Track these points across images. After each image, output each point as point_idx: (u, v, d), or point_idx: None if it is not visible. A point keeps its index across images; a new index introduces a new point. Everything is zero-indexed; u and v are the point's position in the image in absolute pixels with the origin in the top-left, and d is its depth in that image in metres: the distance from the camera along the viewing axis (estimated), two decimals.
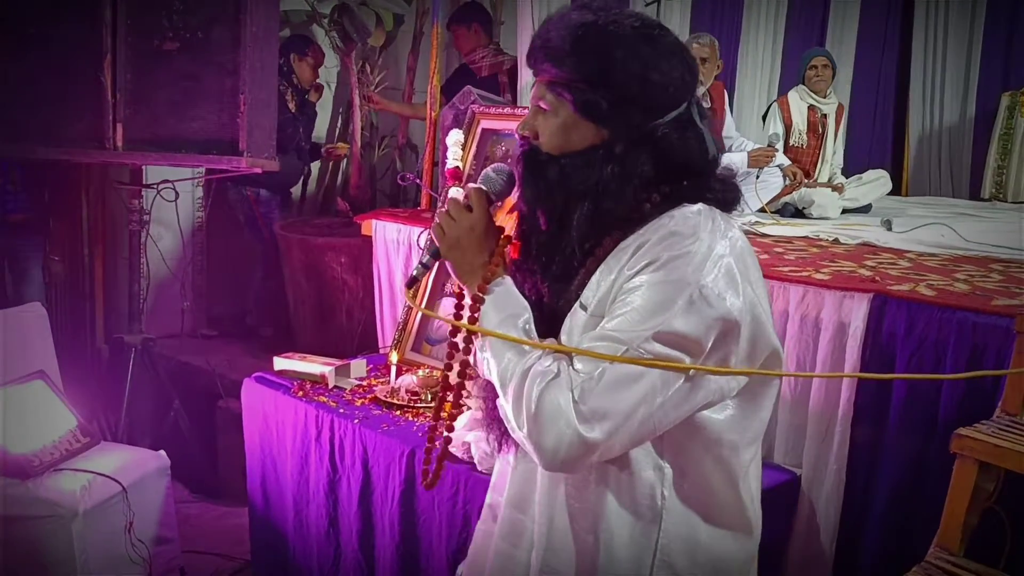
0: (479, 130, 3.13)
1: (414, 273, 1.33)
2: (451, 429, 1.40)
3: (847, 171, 4.82)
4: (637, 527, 1.23)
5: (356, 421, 2.38)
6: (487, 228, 1.29)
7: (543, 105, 1.24)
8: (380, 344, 3.51)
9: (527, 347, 1.18)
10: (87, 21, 3.01)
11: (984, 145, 5.64)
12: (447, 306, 2.61)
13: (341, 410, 2.45)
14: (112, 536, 2.64)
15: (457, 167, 2.93)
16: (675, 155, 1.22)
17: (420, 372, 2.65)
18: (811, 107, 4.57)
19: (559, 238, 1.25)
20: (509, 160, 1.34)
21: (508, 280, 1.27)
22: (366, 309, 3.84)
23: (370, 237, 3.62)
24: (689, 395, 1.14)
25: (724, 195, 1.25)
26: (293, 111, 4.40)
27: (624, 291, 1.15)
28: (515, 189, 1.30)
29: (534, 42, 1.25)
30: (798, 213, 4.15)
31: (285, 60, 4.45)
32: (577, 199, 1.22)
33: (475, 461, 2.08)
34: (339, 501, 2.44)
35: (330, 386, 2.62)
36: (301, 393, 2.57)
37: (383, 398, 2.52)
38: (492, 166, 1.34)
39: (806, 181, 4.33)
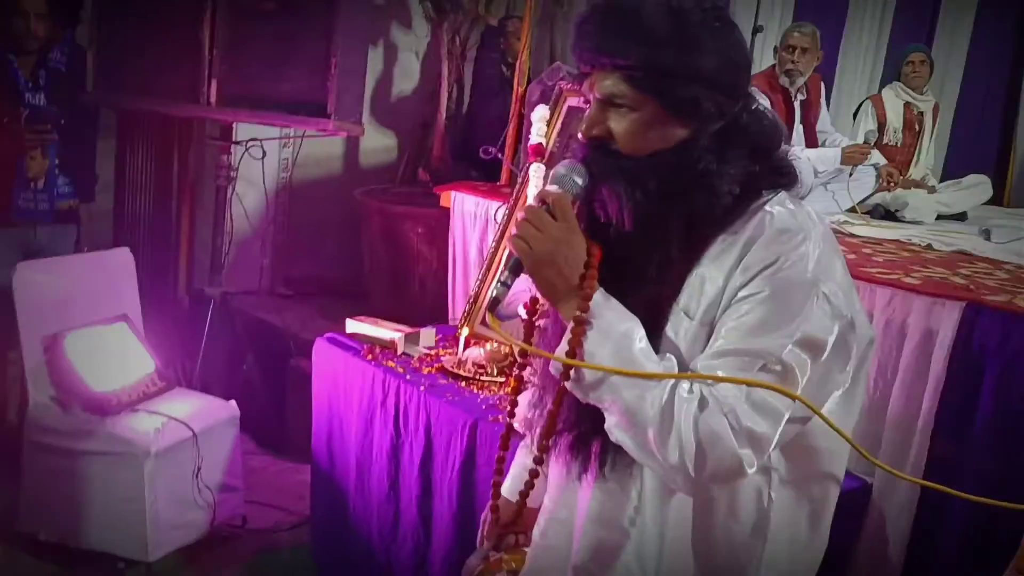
0: (565, 107, 3.09)
1: (494, 294, 1.18)
2: (538, 462, 1.30)
3: (947, 174, 4.62)
4: (745, 530, 1.20)
5: (422, 388, 2.39)
6: (578, 239, 1.15)
7: (619, 101, 1.14)
8: (450, 315, 3.52)
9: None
10: None
11: None
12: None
13: (408, 376, 2.47)
14: (180, 479, 2.73)
15: (540, 143, 2.90)
16: (760, 141, 1.17)
17: (488, 346, 2.65)
18: (907, 104, 4.39)
19: (648, 242, 1.16)
20: (569, 155, 1.21)
21: (608, 296, 1.15)
22: (439, 280, 3.86)
23: (448, 208, 3.63)
24: (817, 397, 1.12)
25: (792, 176, 1.20)
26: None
27: (740, 298, 1.10)
28: (591, 192, 1.18)
29: (605, 26, 1.12)
30: (889, 215, 3.99)
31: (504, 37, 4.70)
32: (671, 200, 1.14)
33: None
34: (401, 465, 2.46)
35: (399, 352, 2.64)
36: (371, 356, 2.59)
37: (450, 368, 2.52)
38: (563, 165, 1.19)
39: (900, 180, 4.17)
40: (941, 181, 4.47)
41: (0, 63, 2.96)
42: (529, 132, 2.95)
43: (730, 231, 1.14)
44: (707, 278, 1.13)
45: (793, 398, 1.07)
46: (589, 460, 1.25)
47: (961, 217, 4.17)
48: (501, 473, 1.40)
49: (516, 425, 2.11)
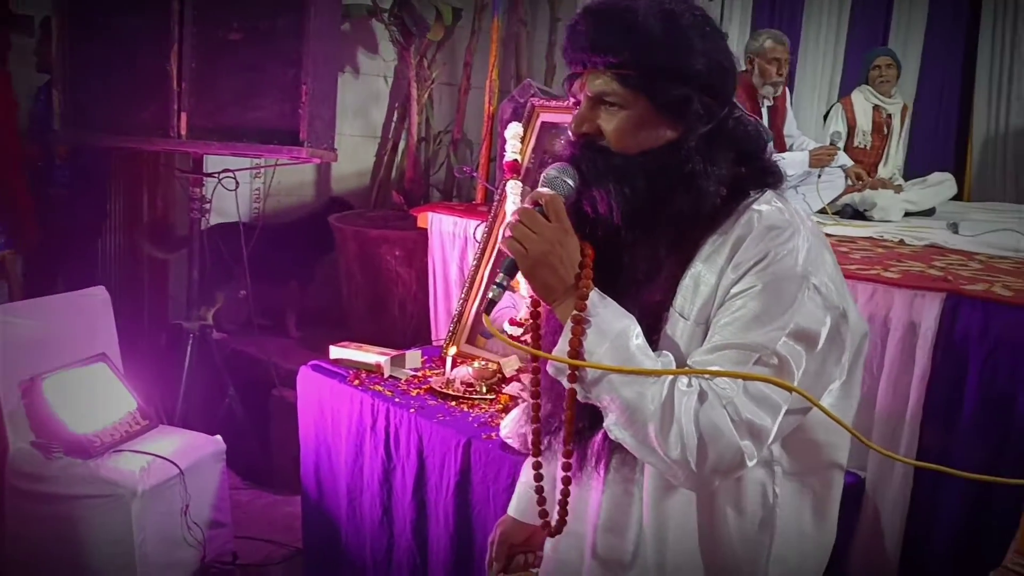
0: (538, 123, 3.11)
1: (491, 296, 1.16)
2: (567, 468, 1.27)
3: (909, 173, 4.71)
4: (751, 528, 1.20)
5: (412, 411, 2.37)
6: (572, 239, 1.16)
7: (610, 99, 1.16)
8: (433, 336, 3.51)
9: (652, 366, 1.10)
10: (155, 11, 3.07)
11: None
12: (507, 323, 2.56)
13: (396, 399, 2.45)
14: (168, 517, 2.68)
15: (516, 160, 2.92)
16: (745, 143, 1.20)
17: (475, 364, 2.64)
18: (876, 107, 4.48)
19: (638, 243, 1.17)
20: (554, 158, 1.21)
21: (603, 295, 1.15)
22: (419, 302, 3.85)
23: (425, 230, 3.63)
24: (813, 389, 1.13)
25: (778, 175, 1.22)
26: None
27: (733, 294, 1.11)
28: (581, 191, 1.18)
29: (597, 26, 1.14)
30: (858, 215, 4.06)
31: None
32: (658, 200, 1.15)
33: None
34: (393, 490, 2.43)
35: (385, 375, 2.62)
36: (357, 382, 2.57)
37: (438, 388, 2.51)
38: (554, 167, 1.19)
39: (868, 181, 4.25)
40: (905, 180, 4.56)
41: None
42: (503, 150, 2.97)
43: (720, 231, 1.15)
44: (700, 278, 1.15)
45: (790, 390, 1.08)
46: (587, 458, 1.25)
47: (929, 213, 4.25)
48: (543, 504, 1.34)
49: (509, 442, 2.12)
